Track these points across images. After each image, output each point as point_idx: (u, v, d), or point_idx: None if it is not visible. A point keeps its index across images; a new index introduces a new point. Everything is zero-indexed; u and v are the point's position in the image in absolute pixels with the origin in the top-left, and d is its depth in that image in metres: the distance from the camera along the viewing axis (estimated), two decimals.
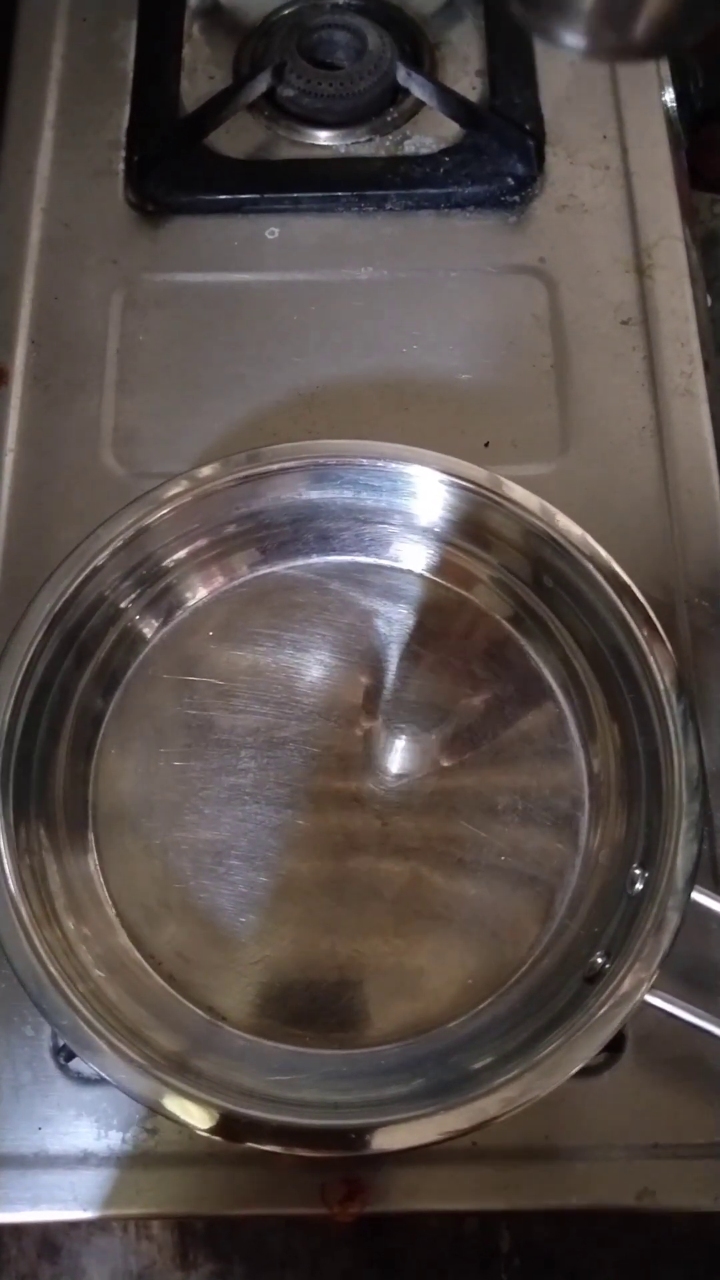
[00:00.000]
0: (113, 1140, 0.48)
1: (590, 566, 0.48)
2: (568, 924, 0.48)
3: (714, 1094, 0.48)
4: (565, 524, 0.50)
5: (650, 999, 0.41)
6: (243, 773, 0.51)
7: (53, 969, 0.43)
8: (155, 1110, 0.41)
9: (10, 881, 0.43)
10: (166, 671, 0.53)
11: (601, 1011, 0.41)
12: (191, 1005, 0.48)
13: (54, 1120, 0.48)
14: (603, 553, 0.49)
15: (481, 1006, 0.47)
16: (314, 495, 0.52)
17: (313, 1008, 0.48)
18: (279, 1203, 0.48)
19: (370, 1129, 0.41)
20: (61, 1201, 0.48)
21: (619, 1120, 0.48)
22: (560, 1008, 0.44)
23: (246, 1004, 0.48)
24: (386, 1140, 0.41)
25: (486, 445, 0.59)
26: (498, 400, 0.60)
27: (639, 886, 0.44)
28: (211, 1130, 0.41)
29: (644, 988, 0.41)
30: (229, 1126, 0.41)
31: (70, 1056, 0.48)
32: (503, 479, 0.51)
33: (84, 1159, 0.48)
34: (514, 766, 0.51)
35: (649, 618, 0.47)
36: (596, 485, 0.58)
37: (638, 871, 0.45)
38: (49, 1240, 0.60)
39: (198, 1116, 0.41)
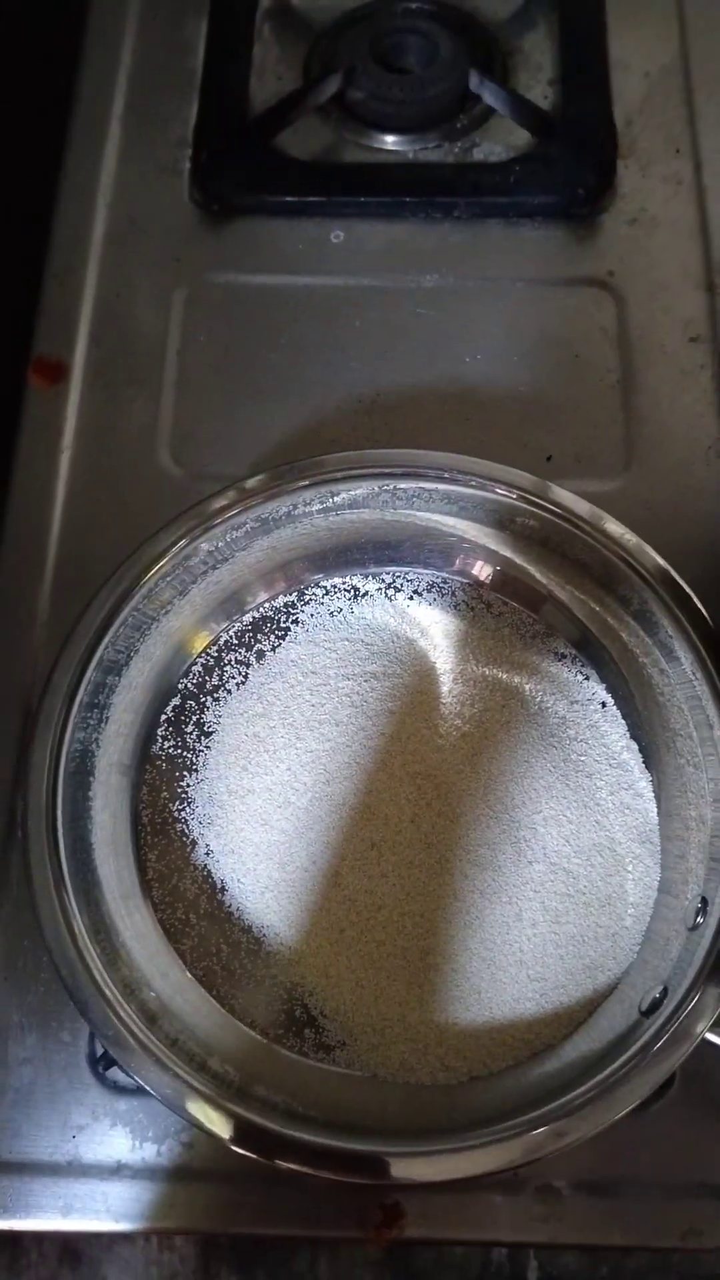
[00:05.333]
0: (147, 1152, 0.47)
1: (645, 572, 0.47)
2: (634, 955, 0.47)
3: None
4: (617, 530, 0.48)
5: (711, 1037, 0.40)
6: (294, 781, 0.50)
7: (95, 972, 0.42)
8: (185, 1118, 0.41)
9: (66, 885, 0.43)
10: (221, 680, 0.52)
11: (658, 1048, 0.40)
12: (235, 1020, 0.47)
13: (88, 1129, 0.47)
14: (659, 559, 0.48)
15: (551, 1043, 0.46)
16: (372, 505, 0.51)
17: (365, 1033, 0.47)
18: (314, 1224, 0.47)
19: (410, 1157, 0.40)
20: (93, 1211, 0.47)
21: (665, 1157, 0.47)
22: (616, 1038, 0.43)
23: (289, 1021, 0.47)
24: (426, 1170, 0.40)
25: (549, 460, 0.58)
26: (561, 414, 0.59)
27: (699, 920, 0.43)
28: (238, 1144, 0.40)
29: (703, 1026, 0.40)
30: (261, 1143, 0.40)
31: (108, 1065, 0.48)
32: (550, 484, 0.49)
33: (117, 1170, 0.47)
34: (575, 793, 0.50)
35: (710, 633, 0.46)
36: (660, 503, 0.57)
37: (699, 905, 0.44)
38: (70, 1247, 0.59)
39: (221, 1125, 0.40)
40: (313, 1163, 0.40)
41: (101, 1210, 0.47)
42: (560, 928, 0.47)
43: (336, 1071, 0.46)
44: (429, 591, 0.54)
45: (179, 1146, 0.47)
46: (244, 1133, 0.40)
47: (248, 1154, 0.40)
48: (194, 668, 0.53)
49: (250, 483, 0.49)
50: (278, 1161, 0.40)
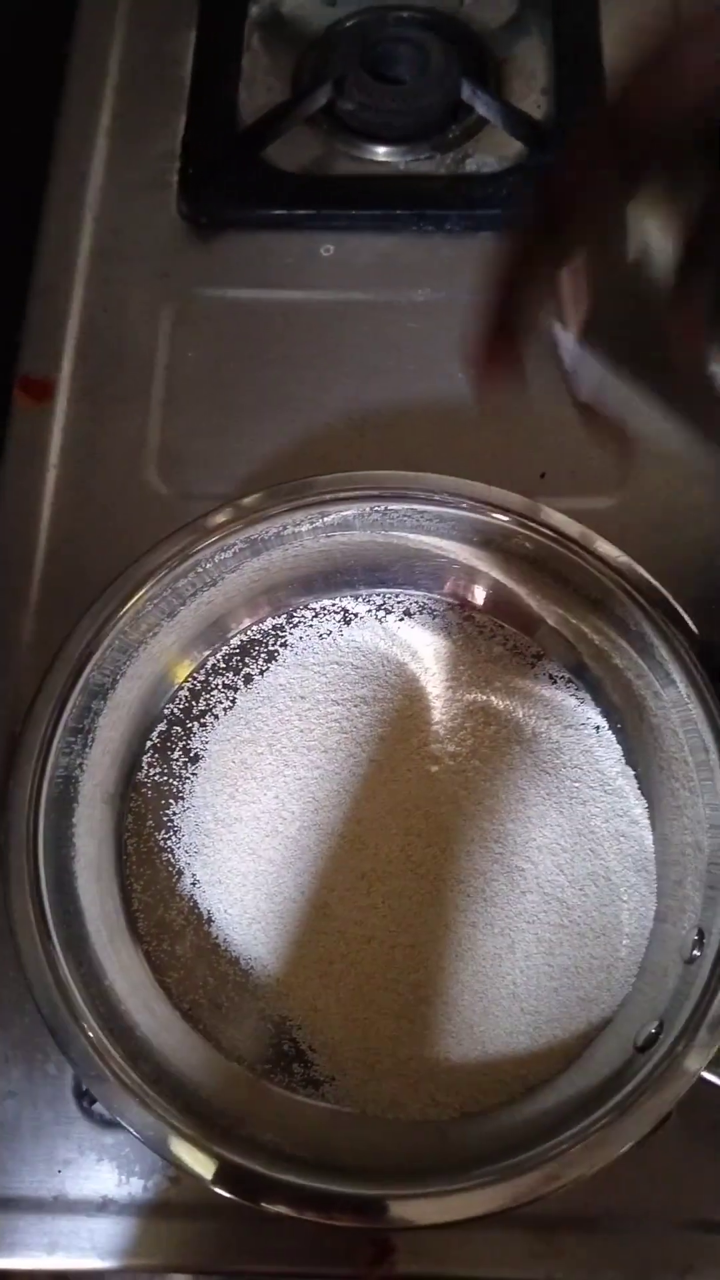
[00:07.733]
0: (134, 1188, 0.46)
1: (638, 595, 0.46)
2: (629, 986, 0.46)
3: None
4: (609, 551, 0.48)
5: (708, 1075, 0.39)
6: (283, 810, 0.49)
7: (77, 1008, 0.41)
8: (169, 1160, 0.40)
9: (47, 915, 0.42)
10: (209, 705, 0.51)
11: (654, 1086, 0.39)
12: (222, 1055, 0.46)
13: (74, 1164, 0.47)
14: (652, 580, 0.47)
15: (545, 1078, 0.45)
16: (363, 527, 0.50)
17: (355, 1068, 0.46)
18: (304, 1261, 0.46)
19: (400, 1200, 0.39)
20: (78, 1249, 0.46)
21: (662, 1192, 0.46)
22: (610, 1075, 0.42)
23: (277, 1056, 0.46)
24: (416, 1213, 0.39)
25: (543, 476, 0.57)
26: (555, 430, 0.58)
27: (696, 953, 0.42)
28: (223, 1186, 0.39)
29: (700, 1065, 0.39)
30: (247, 1185, 0.39)
31: (94, 1099, 0.47)
32: (541, 506, 0.48)
33: (103, 1206, 0.46)
34: (569, 821, 0.49)
35: (706, 655, 0.45)
36: (657, 522, 0.56)
37: (695, 937, 0.43)
38: (62, 1276, 0.58)
39: (205, 1167, 0.39)
40: (301, 1205, 0.39)
41: (87, 1247, 0.46)
42: (554, 959, 0.46)
43: (325, 1108, 0.45)
44: (420, 614, 0.53)
45: (166, 1182, 0.46)
46: (229, 1175, 0.39)
47: (233, 1197, 0.39)
48: (181, 692, 0.52)
49: (239, 504, 0.49)
50: (264, 1205, 0.39)
